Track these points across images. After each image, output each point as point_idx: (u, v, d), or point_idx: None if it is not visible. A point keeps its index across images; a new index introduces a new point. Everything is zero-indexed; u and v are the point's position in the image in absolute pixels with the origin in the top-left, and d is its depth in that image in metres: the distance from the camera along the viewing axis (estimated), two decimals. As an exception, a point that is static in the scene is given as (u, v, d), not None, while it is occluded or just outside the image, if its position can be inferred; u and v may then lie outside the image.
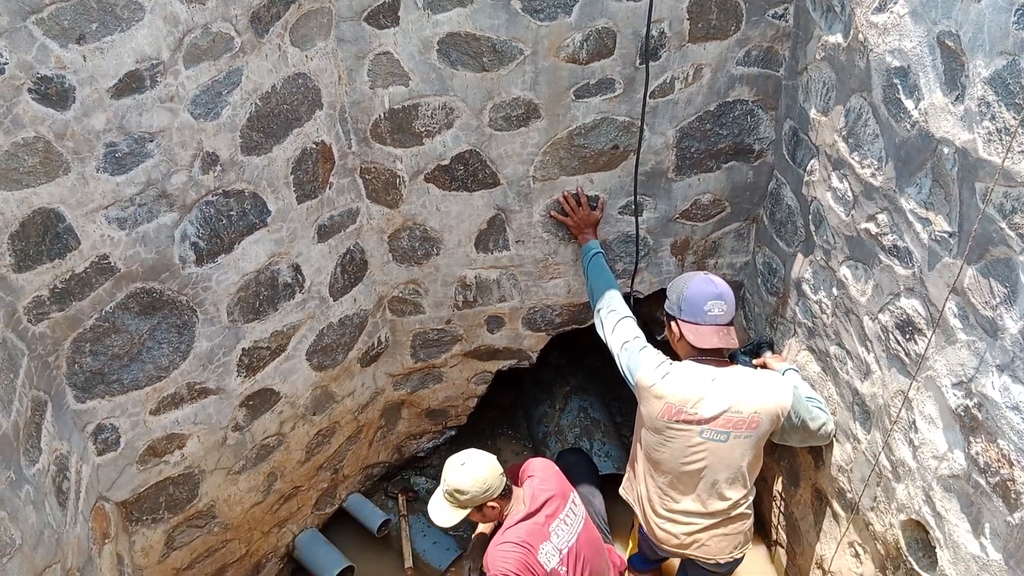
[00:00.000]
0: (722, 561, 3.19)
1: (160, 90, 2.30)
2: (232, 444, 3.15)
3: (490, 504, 3.16)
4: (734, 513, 3.10)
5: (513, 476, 3.50)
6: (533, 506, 3.21)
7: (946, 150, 2.17)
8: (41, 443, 2.32)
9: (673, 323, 3.08)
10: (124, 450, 2.79)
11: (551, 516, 3.25)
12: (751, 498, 3.15)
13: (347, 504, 4.17)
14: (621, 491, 3.51)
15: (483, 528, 3.52)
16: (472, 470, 3.12)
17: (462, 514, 3.17)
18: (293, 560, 3.97)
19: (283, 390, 3.25)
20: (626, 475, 3.48)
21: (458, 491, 3.12)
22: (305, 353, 3.26)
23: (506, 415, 4.85)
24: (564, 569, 3.21)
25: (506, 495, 3.21)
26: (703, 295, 2.97)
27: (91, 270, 2.40)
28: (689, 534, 3.14)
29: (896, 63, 2.33)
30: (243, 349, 2.98)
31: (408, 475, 4.56)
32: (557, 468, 3.47)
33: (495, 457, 3.23)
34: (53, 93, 2.10)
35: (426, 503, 4.33)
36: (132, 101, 2.25)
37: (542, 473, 3.38)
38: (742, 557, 3.27)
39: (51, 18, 2.03)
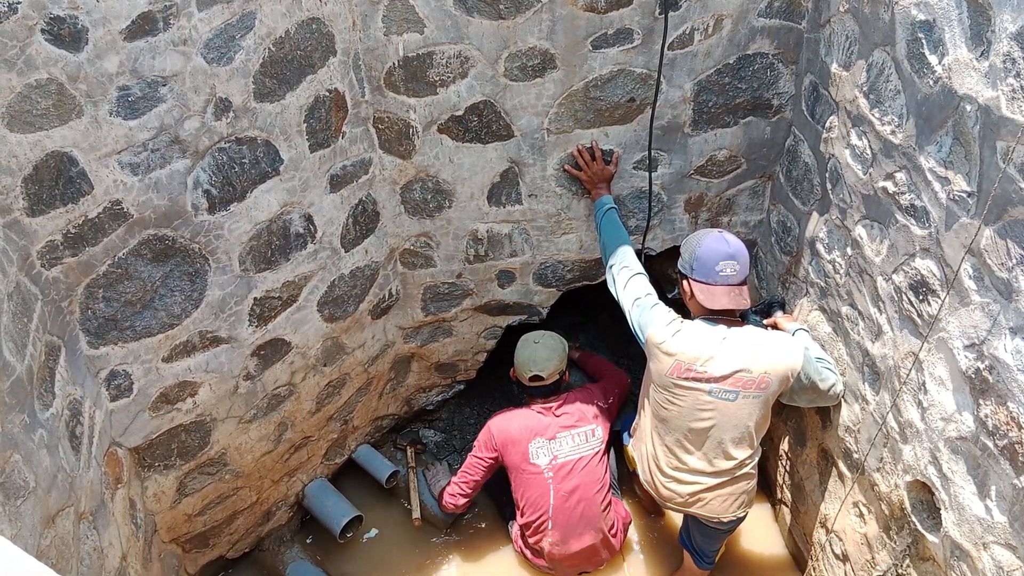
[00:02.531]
0: (725, 520, 3.22)
1: (173, 33, 2.27)
2: (243, 393, 3.17)
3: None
4: (739, 473, 3.12)
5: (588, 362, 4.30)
6: (555, 410, 3.66)
7: (968, 107, 2.13)
8: (55, 388, 2.34)
9: (685, 282, 3.07)
10: (137, 396, 2.81)
11: (563, 427, 3.60)
12: (757, 458, 3.17)
13: (356, 455, 4.22)
14: (627, 448, 3.54)
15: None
16: (544, 349, 3.66)
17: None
18: (302, 509, 4.02)
19: (294, 340, 3.27)
20: (632, 432, 3.50)
21: (533, 363, 3.62)
22: (316, 304, 3.27)
23: (515, 370, 4.87)
24: (550, 475, 3.55)
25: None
26: (716, 255, 2.95)
27: (104, 215, 2.40)
28: (694, 494, 3.16)
29: (921, 16, 2.29)
30: (255, 299, 2.99)
31: (417, 428, 4.59)
32: (603, 397, 3.81)
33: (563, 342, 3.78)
34: (66, 34, 2.07)
35: (434, 456, 4.42)
36: (145, 44, 2.23)
37: (583, 397, 3.75)
38: (744, 516, 3.30)
39: (63, -43, 2.00)
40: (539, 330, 3.83)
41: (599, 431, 3.65)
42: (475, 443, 3.76)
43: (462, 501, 3.79)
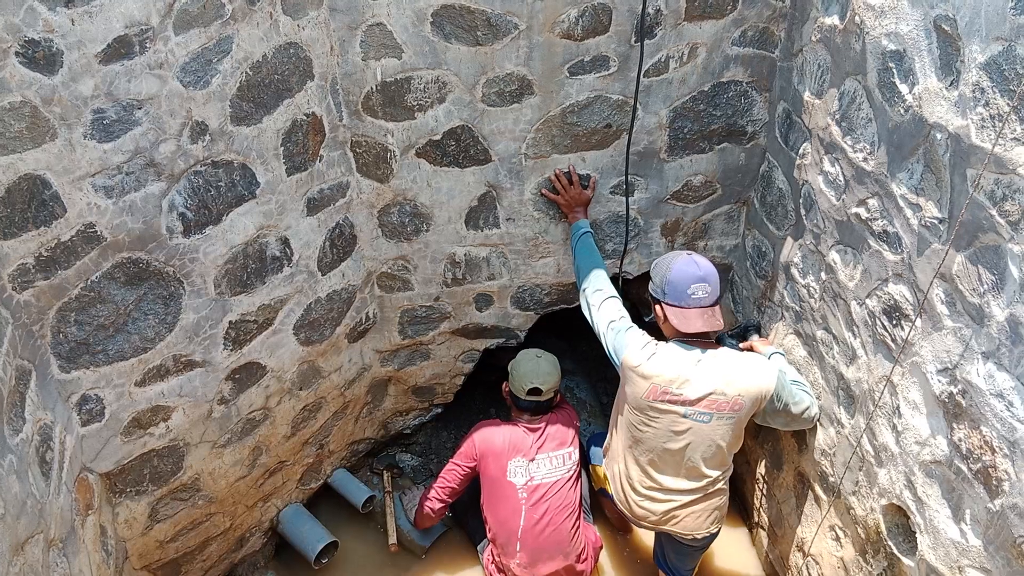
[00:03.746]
0: (699, 536, 3.24)
1: (149, 56, 2.26)
2: (217, 417, 3.14)
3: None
4: (711, 490, 3.14)
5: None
6: (539, 431, 3.65)
7: (939, 136, 2.17)
8: (25, 412, 2.31)
9: (658, 306, 3.08)
10: (109, 421, 2.77)
11: (542, 448, 3.60)
12: (728, 475, 3.19)
13: (332, 480, 4.17)
14: (597, 467, 3.55)
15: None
16: (547, 364, 3.67)
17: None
18: (277, 535, 3.97)
19: (269, 364, 3.24)
20: (604, 452, 3.50)
21: (536, 375, 3.61)
22: (292, 327, 3.25)
23: (492, 393, 4.85)
24: (524, 495, 3.54)
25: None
26: (686, 278, 2.97)
27: (77, 238, 2.37)
28: (667, 512, 3.18)
29: (892, 46, 2.33)
30: (230, 322, 2.96)
31: (394, 452, 4.56)
32: (577, 417, 3.84)
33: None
34: (40, 57, 2.06)
35: (411, 480, 4.39)
36: (121, 67, 2.22)
37: (563, 419, 3.74)
38: (718, 531, 3.31)
39: (39, -20, 1.99)
40: (536, 348, 3.82)
41: (575, 454, 3.65)
42: (456, 450, 3.77)
43: (438, 506, 3.79)
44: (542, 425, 3.66)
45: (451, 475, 3.74)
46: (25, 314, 2.37)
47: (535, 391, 3.61)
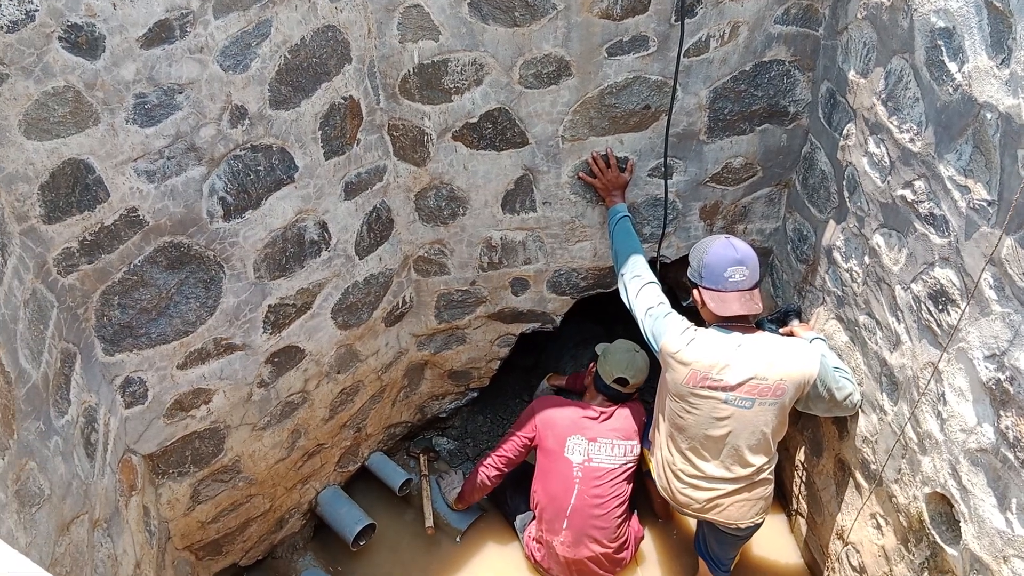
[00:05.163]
0: (742, 526, 3.20)
1: (190, 41, 2.28)
2: (257, 400, 3.17)
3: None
4: (757, 479, 3.10)
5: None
6: (604, 416, 3.68)
7: (989, 115, 2.11)
8: (70, 395, 2.35)
9: (696, 290, 3.06)
10: (151, 403, 2.82)
11: (605, 434, 3.63)
12: (773, 464, 3.15)
13: (369, 463, 4.21)
14: (644, 450, 3.54)
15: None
16: (643, 360, 3.71)
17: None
18: (315, 516, 4.02)
19: (308, 348, 3.27)
20: (650, 438, 3.49)
21: (630, 366, 3.66)
22: (330, 311, 3.27)
23: (528, 377, 4.86)
24: (579, 474, 3.59)
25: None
26: (723, 261, 2.94)
27: (120, 223, 2.40)
28: (711, 500, 3.15)
29: (941, 23, 2.27)
30: (269, 306, 2.99)
31: (430, 435, 4.58)
32: (646, 415, 3.80)
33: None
34: (83, 42, 2.08)
35: (447, 463, 4.41)
36: (162, 51, 2.24)
37: (633, 412, 3.75)
38: (762, 522, 3.28)
39: (81, -35, 2.01)
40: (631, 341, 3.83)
41: (636, 449, 3.67)
42: (517, 421, 3.82)
43: (494, 473, 3.82)
44: (611, 411, 3.69)
45: (509, 445, 3.77)
46: (70, 297, 2.40)
47: (622, 381, 3.65)
